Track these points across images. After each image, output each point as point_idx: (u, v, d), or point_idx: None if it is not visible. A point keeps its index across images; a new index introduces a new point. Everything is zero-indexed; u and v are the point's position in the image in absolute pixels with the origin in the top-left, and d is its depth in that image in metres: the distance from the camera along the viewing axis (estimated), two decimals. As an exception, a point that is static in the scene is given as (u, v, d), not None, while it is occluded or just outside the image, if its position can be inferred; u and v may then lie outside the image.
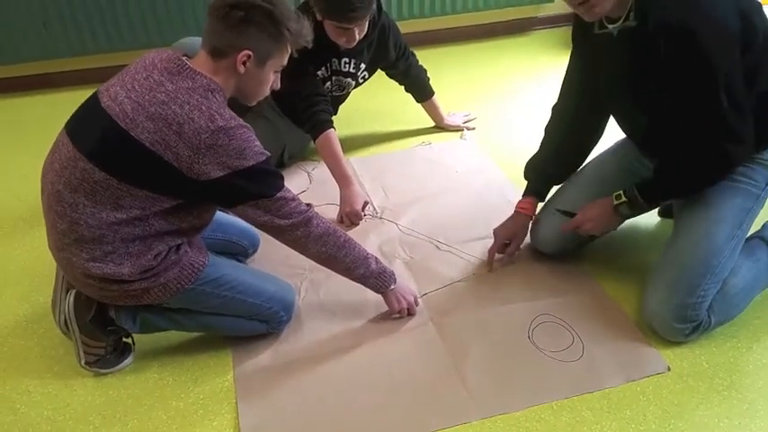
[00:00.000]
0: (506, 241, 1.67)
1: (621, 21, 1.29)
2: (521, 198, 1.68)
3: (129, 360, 1.44)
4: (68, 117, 1.30)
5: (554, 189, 1.70)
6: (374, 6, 1.82)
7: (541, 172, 1.65)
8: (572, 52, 1.54)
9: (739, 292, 1.43)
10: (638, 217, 1.74)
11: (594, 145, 1.63)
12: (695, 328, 1.40)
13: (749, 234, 1.48)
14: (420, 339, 1.48)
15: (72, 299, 1.34)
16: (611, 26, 1.31)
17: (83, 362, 1.39)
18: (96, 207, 1.20)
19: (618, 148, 1.67)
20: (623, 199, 1.44)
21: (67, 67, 2.77)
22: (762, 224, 1.55)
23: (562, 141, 1.62)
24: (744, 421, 1.27)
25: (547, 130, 1.66)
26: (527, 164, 1.69)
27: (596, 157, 1.70)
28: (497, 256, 1.68)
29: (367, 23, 1.85)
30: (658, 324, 1.43)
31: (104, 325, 1.37)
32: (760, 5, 1.33)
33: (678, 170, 1.39)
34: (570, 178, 1.68)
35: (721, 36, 1.22)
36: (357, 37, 1.83)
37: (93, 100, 1.24)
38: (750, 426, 1.26)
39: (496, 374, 1.38)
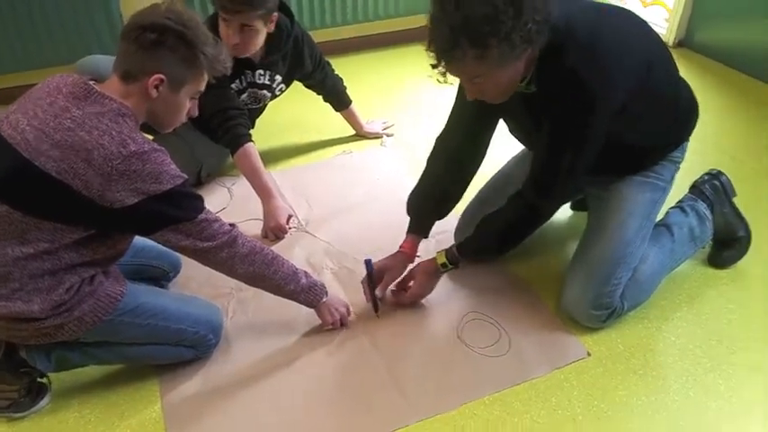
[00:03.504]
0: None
1: (524, 84, 1.27)
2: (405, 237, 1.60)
3: (45, 401, 1.35)
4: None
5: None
6: (269, 6, 1.76)
7: (422, 208, 1.59)
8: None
9: (648, 278, 1.53)
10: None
11: (473, 176, 1.59)
12: (610, 314, 1.49)
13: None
14: (354, 350, 1.49)
15: (-24, 342, 1.24)
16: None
17: (-7, 408, 1.29)
18: (-1, 243, 1.13)
19: (523, 156, 1.73)
20: (444, 260, 1.53)
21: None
22: (665, 212, 1.66)
23: (444, 173, 1.56)
24: (659, 396, 1.37)
25: (429, 161, 1.58)
26: (408, 200, 1.61)
27: (501, 170, 1.77)
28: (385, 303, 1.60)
29: (259, 30, 1.79)
30: (577, 312, 1.52)
31: (15, 367, 1.27)
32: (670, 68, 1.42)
33: (491, 224, 1.49)
34: (479, 194, 1.73)
35: (606, 112, 1.26)
36: (246, 40, 1.77)
37: None
38: (665, 400, 1.36)
39: (430, 377, 1.41)
